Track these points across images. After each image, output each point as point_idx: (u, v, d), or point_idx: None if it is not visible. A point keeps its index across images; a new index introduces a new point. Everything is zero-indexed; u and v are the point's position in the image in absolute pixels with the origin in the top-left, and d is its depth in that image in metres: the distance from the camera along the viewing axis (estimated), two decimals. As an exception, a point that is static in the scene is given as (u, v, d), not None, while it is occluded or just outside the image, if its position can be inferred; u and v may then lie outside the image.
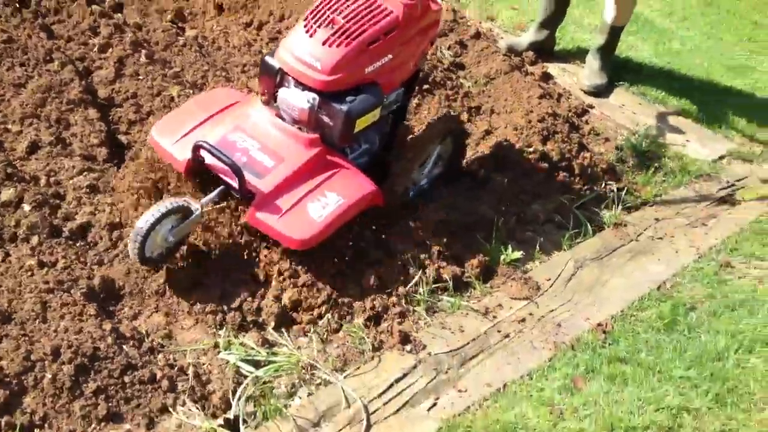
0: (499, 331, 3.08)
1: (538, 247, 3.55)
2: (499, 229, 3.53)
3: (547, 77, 4.82)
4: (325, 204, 2.88)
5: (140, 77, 4.09)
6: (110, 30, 4.40)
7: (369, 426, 2.61)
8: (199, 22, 4.84)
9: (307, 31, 2.95)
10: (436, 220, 3.42)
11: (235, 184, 2.86)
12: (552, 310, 3.21)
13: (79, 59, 4.19)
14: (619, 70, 5.08)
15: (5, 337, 2.64)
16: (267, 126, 3.06)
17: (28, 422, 2.44)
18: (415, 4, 3.03)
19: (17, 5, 4.50)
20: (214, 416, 2.57)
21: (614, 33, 4.76)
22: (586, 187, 3.96)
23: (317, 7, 3.01)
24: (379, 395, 2.73)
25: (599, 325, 3.16)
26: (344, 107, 2.91)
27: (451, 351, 2.95)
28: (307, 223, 2.84)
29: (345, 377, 2.78)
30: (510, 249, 3.45)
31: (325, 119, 2.97)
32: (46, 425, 2.46)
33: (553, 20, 5.02)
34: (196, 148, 2.90)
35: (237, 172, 2.82)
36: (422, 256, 3.25)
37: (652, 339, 3.10)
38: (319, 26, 2.94)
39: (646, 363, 2.97)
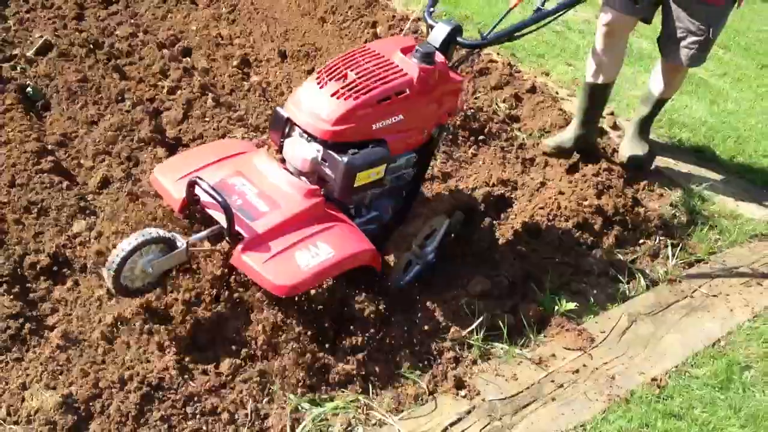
0: (552, 381, 3.09)
1: (592, 299, 3.57)
2: (552, 280, 3.56)
3: (601, 132, 4.88)
4: (315, 254, 2.80)
5: (207, 119, 4.25)
6: (179, 73, 4.59)
7: (424, 468, 2.64)
8: (263, 68, 5.00)
9: (318, 83, 2.94)
10: (491, 268, 3.48)
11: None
12: (606, 363, 3.22)
13: (149, 100, 4.36)
14: (675, 128, 5.11)
15: (75, 364, 2.74)
16: (269, 174, 3.03)
17: (95, 447, 2.52)
18: (431, 70, 3.00)
19: (91, 47, 4.72)
20: (272, 451, 2.62)
21: (659, 105, 4.59)
22: (640, 242, 3.98)
23: (333, 62, 3.03)
24: (434, 438, 2.76)
25: (654, 379, 3.15)
26: (345, 158, 2.85)
27: (505, 398, 2.97)
28: (293, 270, 2.74)
29: (400, 419, 2.82)
30: (564, 300, 3.47)
31: (327, 171, 2.93)
32: (111, 451, 2.53)
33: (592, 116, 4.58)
34: (191, 184, 2.89)
35: (226, 209, 2.75)
36: (475, 303, 3.29)
37: (707, 396, 3.09)
38: (330, 79, 2.93)
39: (701, 420, 2.97)
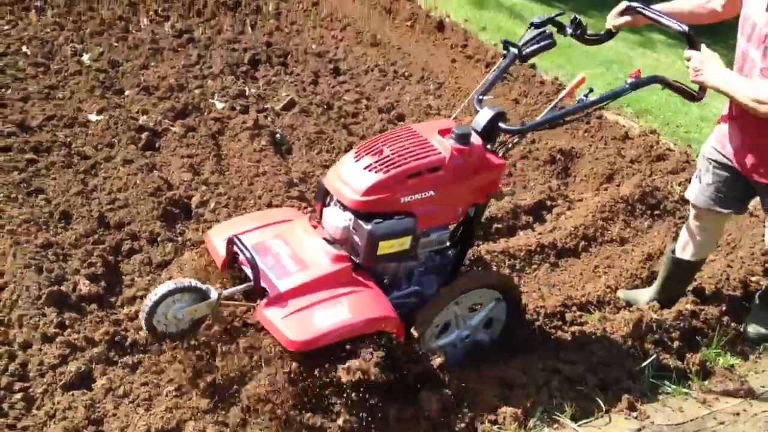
0: (715, 418, 3.50)
1: (754, 359, 3.95)
2: (719, 338, 3.97)
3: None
4: (332, 315, 2.91)
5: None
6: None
7: (600, 467, 3.15)
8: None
9: (355, 157, 3.13)
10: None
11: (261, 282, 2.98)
12: (765, 411, 3.59)
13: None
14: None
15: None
16: (305, 239, 3.21)
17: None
18: (465, 151, 3.10)
19: (325, 107, 5.65)
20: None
21: None
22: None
23: (373, 139, 3.23)
24: (608, 445, 3.26)
25: (810, 430, 3.50)
26: (369, 227, 2.99)
27: (672, 424, 3.42)
28: (308, 327, 2.86)
29: (578, 425, 3.32)
30: (728, 355, 3.88)
31: (355, 238, 3.08)
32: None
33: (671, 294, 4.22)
34: (230, 242, 3.10)
35: (253, 265, 2.93)
36: (647, 346, 3.77)
37: None
38: (367, 154, 3.11)
39: None
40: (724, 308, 4.19)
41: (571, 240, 4.65)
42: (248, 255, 2.95)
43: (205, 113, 5.31)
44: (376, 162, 3.06)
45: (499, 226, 4.74)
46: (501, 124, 3.22)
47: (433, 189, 3.09)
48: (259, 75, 6.07)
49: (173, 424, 2.99)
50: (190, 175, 4.57)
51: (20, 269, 3.60)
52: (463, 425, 3.22)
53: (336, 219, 3.12)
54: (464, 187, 3.19)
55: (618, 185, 5.32)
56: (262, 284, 2.97)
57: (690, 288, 4.29)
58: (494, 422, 3.24)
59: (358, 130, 5.51)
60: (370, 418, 2.99)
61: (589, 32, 3.71)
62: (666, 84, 3.36)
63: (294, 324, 2.86)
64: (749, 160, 3.55)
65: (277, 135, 5.19)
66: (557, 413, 3.36)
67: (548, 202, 5.09)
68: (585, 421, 3.37)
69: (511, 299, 3.55)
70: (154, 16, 6.79)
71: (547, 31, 3.48)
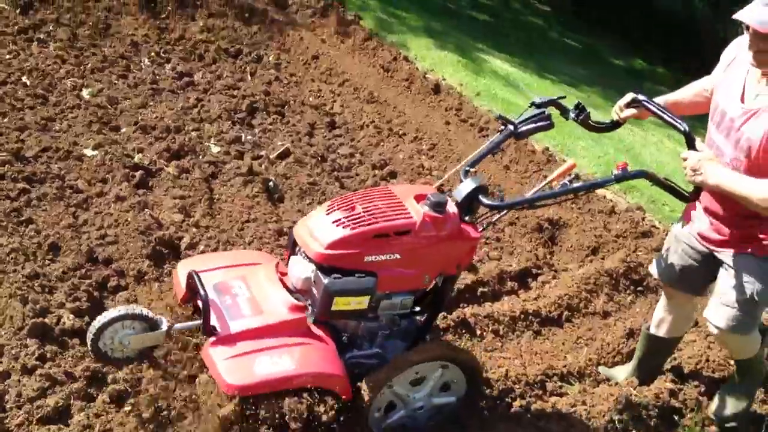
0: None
1: (731, 442, 3.98)
2: (696, 420, 3.99)
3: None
4: (275, 363, 2.85)
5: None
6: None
7: None
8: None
9: (327, 211, 3.12)
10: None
11: (212, 320, 2.92)
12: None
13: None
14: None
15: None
16: (267, 285, 3.16)
17: None
18: (438, 219, 3.08)
19: (319, 159, 5.70)
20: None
21: (741, 365, 3.97)
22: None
23: (348, 195, 3.22)
24: None
25: None
26: (326, 281, 2.96)
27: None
28: (247, 373, 2.80)
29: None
30: (706, 437, 3.91)
31: (314, 290, 3.05)
32: None
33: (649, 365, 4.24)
34: (189, 277, 3.04)
35: (205, 303, 2.87)
36: (625, 422, 3.78)
37: None
38: (339, 209, 3.10)
39: None
40: (702, 389, 4.24)
41: (555, 309, 4.69)
42: (202, 293, 2.91)
43: (200, 156, 5.34)
44: (346, 218, 3.04)
45: (485, 290, 4.76)
46: (481, 198, 3.17)
47: (400, 252, 3.05)
48: (256, 122, 6.13)
49: (148, 466, 2.94)
50: (181, 216, 4.58)
51: (5, 298, 3.57)
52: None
53: (300, 269, 3.09)
54: (433, 254, 3.14)
55: (603, 258, 5.39)
56: (213, 323, 2.92)
57: (669, 367, 4.33)
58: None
59: (351, 184, 5.55)
60: None
61: (593, 120, 3.75)
62: (654, 180, 3.35)
63: (234, 367, 2.81)
64: (721, 233, 3.53)
65: (271, 183, 5.21)
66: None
67: (534, 270, 5.13)
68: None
69: (460, 363, 3.36)
70: (156, 57, 6.85)
71: (547, 113, 3.48)
